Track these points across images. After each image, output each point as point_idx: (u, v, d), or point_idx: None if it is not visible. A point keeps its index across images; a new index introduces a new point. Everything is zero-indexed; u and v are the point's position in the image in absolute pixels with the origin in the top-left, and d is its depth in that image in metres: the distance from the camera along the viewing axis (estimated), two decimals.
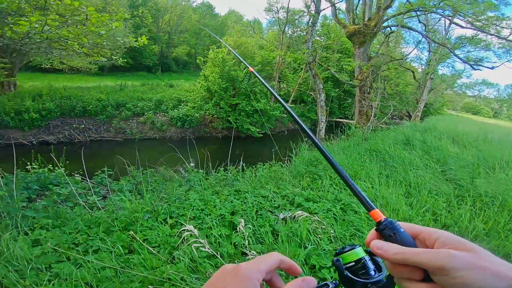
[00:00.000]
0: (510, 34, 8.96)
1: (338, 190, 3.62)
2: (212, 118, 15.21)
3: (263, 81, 1.00)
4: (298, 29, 19.38)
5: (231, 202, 3.17)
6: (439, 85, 25.83)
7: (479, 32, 10.17)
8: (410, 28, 12.83)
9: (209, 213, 2.93)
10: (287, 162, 5.68)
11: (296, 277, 0.45)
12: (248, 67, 1.38)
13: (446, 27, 18.30)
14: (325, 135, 10.03)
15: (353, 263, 0.47)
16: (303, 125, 0.72)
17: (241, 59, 1.60)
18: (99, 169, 5.16)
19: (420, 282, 0.41)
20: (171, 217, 2.94)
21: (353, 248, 0.48)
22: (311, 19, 9.66)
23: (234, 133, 15.62)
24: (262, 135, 15.21)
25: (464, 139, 9.37)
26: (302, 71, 17.49)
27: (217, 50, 15.24)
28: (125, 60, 26.39)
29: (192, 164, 4.87)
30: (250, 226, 2.65)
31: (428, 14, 14.23)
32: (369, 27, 10.37)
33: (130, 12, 24.79)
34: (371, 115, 11.05)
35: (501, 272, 0.36)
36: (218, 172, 4.50)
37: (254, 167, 4.94)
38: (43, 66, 15.47)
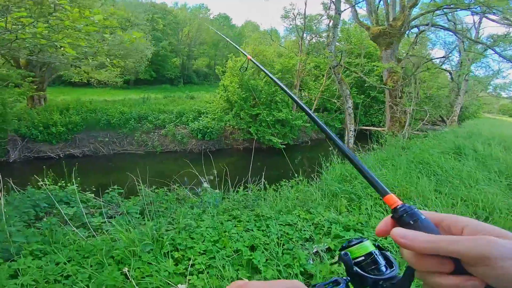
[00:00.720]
0: None
1: (383, 212, 2.92)
2: (233, 130, 14.86)
3: (277, 80, 0.92)
4: (317, 35, 18.87)
5: (251, 231, 2.60)
6: (474, 87, 23.87)
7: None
8: (442, 27, 11.80)
9: (223, 246, 2.37)
10: (316, 178, 5.01)
11: None
12: (246, 55, 1.29)
13: (477, 26, 16.84)
14: (354, 145, 9.20)
15: (363, 258, 0.44)
16: (324, 127, 0.63)
17: (239, 48, 1.55)
18: (120, 183, 4.85)
19: (450, 275, 0.34)
20: (177, 249, 2.42)
21: (361, 242, 0.45)
22: (332, 21, 9.05)
23: (255, 144, 15.14)
24: (284, 146, 14.55)
25: None
26: (324, 78, 16.80)
27: (235, 59, 15.02)
28: (148, 73, 27.27)
29: (205, 184, 4.35)
30: (274, 267, 2.05)
31: (455, 13, 13.12)
32: (395, 28, 9.59)
33: (150, 25, 25.67)
34: (405, 121, 10.06)
35: None
36: (237, 192, 3.95)
37: (277, 184, 4.34)
38: (73, 80, 16.09)
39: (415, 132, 11.08)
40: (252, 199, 3.72)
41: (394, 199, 0.41)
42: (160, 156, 13.23)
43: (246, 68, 1.95)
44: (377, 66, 8.94)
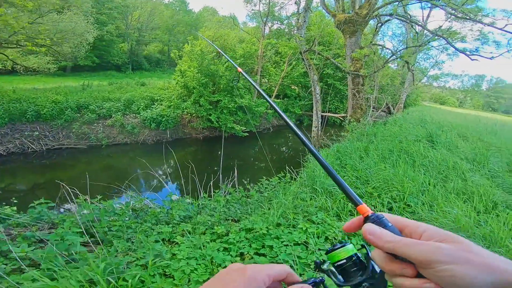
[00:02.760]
0: (506, 25, 8.37)
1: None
2: (191, 118, 13.71)
3: (254, 83, 0.97)
4: (277, 22, 18.33)
5: (249, 256, 1.95)
6: (416, 77, 26.19)
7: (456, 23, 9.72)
8: (403, 17, 12.20)
9: None
10: (294, 171, 4.52)
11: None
12: (236, 68, 1.29)
13: (425, 19, 18.12)
14: (320, 132, 9.03)
15: (344, 261, 0.45)
16: (302, 137, 0.65)
17: (230, 60, 1.52)
18: (53, 188, 3.69)
19: (412, 278, 0.38)
20: None
21: (344, 245, 0.46)
22: (303, 4, 8.53)
23: (217, 133, 14.27)
24: (247, 134, 13.97)
25: (467, 132, 8.81)
26: (286, 65, 16.47)
27: (194, 42, 13.71)
28: (90, 59, 24.18)
29: (174, 197, 3.50)
30: None
31: (406, 6, 13.79)
32: (361, 16, 9.51)
33: (96, 8, 22.74)
34: (366, 108, 10.23)
35: (491, 264, 0.34)
36: (210, 198, 3.23)
37: (251, 181, 3.73)
38: None
39: (375, 119, 11.43)
40: (235, 207, 3.05)
41: (366, 209, 0.45)
42: (107, 150, 11.55)
43: (238, 80, 1.90)
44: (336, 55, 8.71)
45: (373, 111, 11.69)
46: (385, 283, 0.43)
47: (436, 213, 2.69)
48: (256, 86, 0.89)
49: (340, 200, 2.64)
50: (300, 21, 8.70)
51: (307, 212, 2.47)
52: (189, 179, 3.79)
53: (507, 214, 2.47)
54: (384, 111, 21.55)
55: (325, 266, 0.48)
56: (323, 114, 14.61)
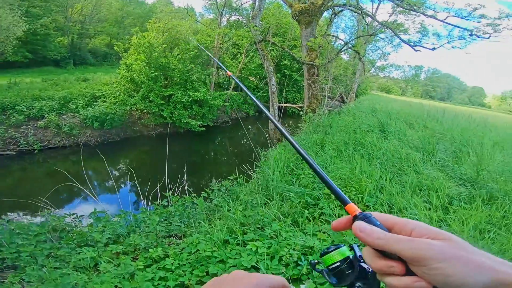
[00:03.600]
0: (447, 17, 8.98)
1: None
2: (141, 114, 12.63)
3: (244, 87, 0.96)
4: (235, 14, 17.75)
5: None
6: (366, 67, 27.81)
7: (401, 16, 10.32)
8: (356, 8, 12.51)
9: None
10: (250, 169, 4.22)
11: None
12: (226, 72, 1.26)
13: (374, 12, 19.04)
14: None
15: (338, 263, 0.45)
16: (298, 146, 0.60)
17: (221, 65, 1.52)
18: None
19: (402, 276, 0.37)
20: None
21: (338, 248, 0.46)
22: None
23: (171, 129, 13.36)
24: (204, 129, 13.33)
25: (413, 119, 9.38)
26: (243, 56, 16.05)
27: (141, 34, 12.53)
28: (21, 54, 21.32)
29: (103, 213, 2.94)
30: None
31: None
32: (316, 6, 9.48)
33: (28, 1, 20.05)
34: (322, 98, 10.33)
35: (483, 263, 0.33)
36: (157, 203, 2.78)
37: (206, 186, 3.36)
38: None
39: (329, 109, 11.66)
40: (180, 218, 2.64)
41: (354, 208, 0.45)
42: (41, 155, 10.06)
43: (228, 86, 1.62)
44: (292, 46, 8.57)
45: (328, 101, 11.91)
46: (378, 283, 0.43)
47: (395, 214, 2.60)
48: (248, 92, 0.89)
49: (296, 206, 2.39)
50: (255, 9, 8.32)
51: (259, 224, 2.16)
52: (137, 184, 3.26)
53: (464, 209, 2.45)
54: (338, 101, 22.48)
55: (320, 266, 0.48)
56: (280, 105, 14.58)
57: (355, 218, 0.43)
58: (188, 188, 3.59)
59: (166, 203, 3.41)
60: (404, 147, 4.56)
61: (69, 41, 26.77)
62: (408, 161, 3.74)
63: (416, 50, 9.33)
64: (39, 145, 9.87)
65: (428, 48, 8.99)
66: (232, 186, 3.37)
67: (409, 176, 3.34)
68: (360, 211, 0.44)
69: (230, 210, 2.38)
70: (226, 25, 16.65)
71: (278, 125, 0.69)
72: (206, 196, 3.15)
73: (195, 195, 3.51)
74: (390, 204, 2.82)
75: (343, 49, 9.37)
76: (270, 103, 8.61)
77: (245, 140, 14.87)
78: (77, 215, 3.12)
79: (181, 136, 13.19)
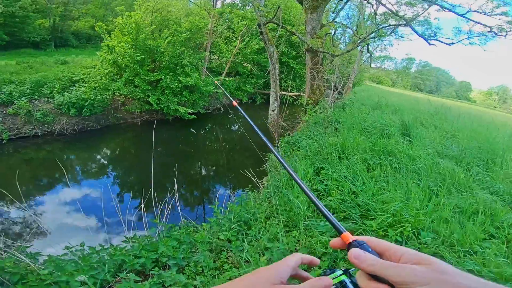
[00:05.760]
0: (467, 12, 8.29)
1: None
2: (125, 100, 11.48)
3: (246, 116, 1.01)
4: None
5: None
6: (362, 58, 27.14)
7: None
8: None
9: None
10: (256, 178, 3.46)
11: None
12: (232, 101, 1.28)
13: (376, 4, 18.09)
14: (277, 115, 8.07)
15: (334, 287, 0.47)
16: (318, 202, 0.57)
17: (231, 97, 1.58)
18: None
19: None
20: None
21: (334, 272, 0.48)
22: None
23: (159, 116, 12.31)
24: (195, 116, 12.32)
25: (421, 117, 8.80)
26: (238, 41, 14.93)
27: (128, 14, 11.18)
28: None
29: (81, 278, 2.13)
30: None
31: None
32: None
33: None
34: (324, 89, 9.55)
35: (464, 284, 0.36)
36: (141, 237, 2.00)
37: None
38: None
39: (332, 100, 10.93)
40: (173, 260, 1.86)
41: (348, 236, 0.48)
42: (11, 146, 8.88)
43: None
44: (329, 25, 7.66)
45: (334, 92, 11.16)
46: None
47: (464, 257, 1.92)
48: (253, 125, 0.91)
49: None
50: None
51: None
52: (118, 183, 2.45)
53: None
54: (339, 92, 21.83)
55: None
56: (284, 93, 13.62)
57: (350, 245, 0.46)
58: (181, 211, 2.81)
59: (154, 230, 2.63)
60: (435, 157, 3.90)
61: (50, 23, 25.12)
62: (452, 178, 3.08)
63: (431, 44, 8.67)
64: (7, 135, 8.68)
65: (445, 43, 8.37)
66: (234, 202, 2.62)
67: (459, 199, 2.68)
68: (354, 238, 0.47)
69: (249, 261, 1.64)
70: (224, 6, 15.41)
71: (279, 157, 0.69)
72: (209, 228, 2.38)
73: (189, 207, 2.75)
74: (451, 240, 2.14)
75: (361, 41, 8.55)
76: (273, 93, 7.76)
77: (237, 127, 13.98)
78: (31, 252, 2.30)
79: (169, 124, 12.18)
